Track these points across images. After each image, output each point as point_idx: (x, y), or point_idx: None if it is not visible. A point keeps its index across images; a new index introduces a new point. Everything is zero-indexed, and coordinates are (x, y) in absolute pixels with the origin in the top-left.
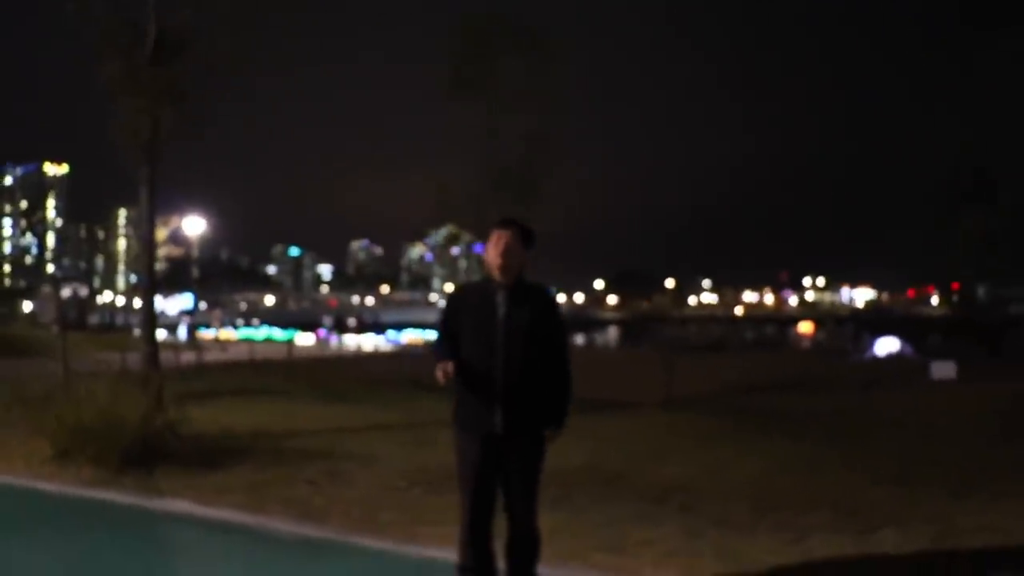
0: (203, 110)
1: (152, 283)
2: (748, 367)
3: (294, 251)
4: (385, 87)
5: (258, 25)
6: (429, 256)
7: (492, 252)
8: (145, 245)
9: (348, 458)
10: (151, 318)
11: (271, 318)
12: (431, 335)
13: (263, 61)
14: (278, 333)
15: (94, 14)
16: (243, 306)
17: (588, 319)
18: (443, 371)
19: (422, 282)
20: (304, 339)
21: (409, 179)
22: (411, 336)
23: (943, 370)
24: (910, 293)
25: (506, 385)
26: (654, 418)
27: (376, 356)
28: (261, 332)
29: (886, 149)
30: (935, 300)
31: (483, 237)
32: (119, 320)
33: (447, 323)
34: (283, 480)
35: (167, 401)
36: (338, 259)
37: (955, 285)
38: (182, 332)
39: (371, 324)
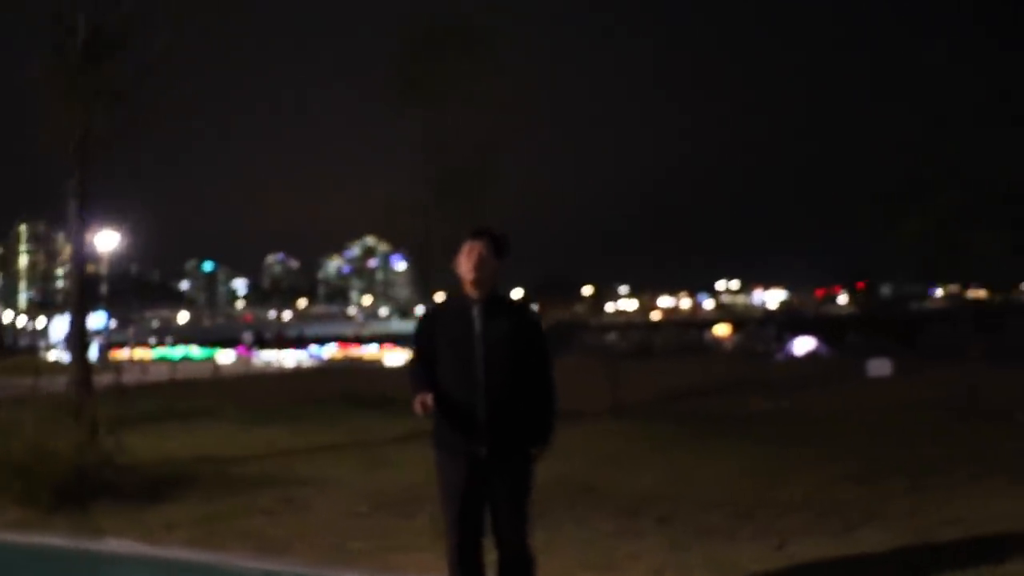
0: (140, 113)
1: (82, 301)
2: (679, 372)
3: (208, 266)
4: (307, 101)
5: (197, 27)
6: (347, 269)
7: (464, 265)
8: (75, 260)
9: (301, 483)
10: (82, 338)
11: (186, 335)
12: (355, 350)
13: (189, 66)
14: (196, 351)
15: (20, 8)
16: (155, 323)
17: None
18: (421, 403)
19: (340, 295)
20: (225, 356)
21: (329, 192)
22: (335, 350)
23: (879, 368)
24: (818, 293)
25: (488, 403)
26: (606, 427)
27: (302, 373)
28: (178, 350)
29: (811, 156)
30: (843, 299)
31: (428, 247)
32: (22, 342)
33: (421, 343)
34: (236, 511)
35: (100, 429)
36: (253, 273)
37: (860, 284)
38: (94, 352)
39: (293, 339)
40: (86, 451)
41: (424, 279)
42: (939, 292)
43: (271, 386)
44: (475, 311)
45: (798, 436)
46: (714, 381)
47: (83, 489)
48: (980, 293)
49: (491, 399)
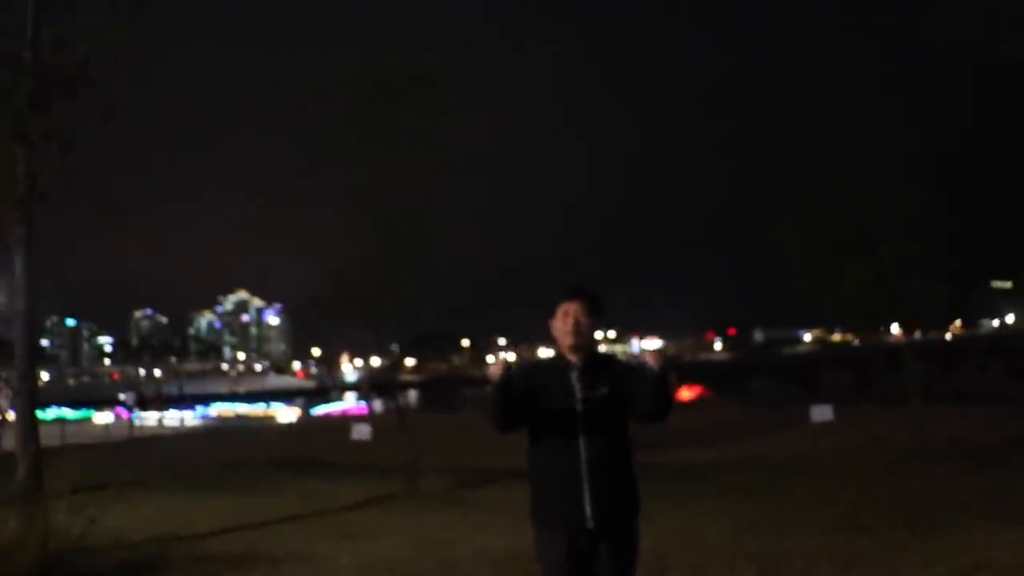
0: (87, 160)
1: (32, 366)
2: None
3: (70, 322)
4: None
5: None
6: (219, 324)
7: (560, 328)
8: (26, 318)
9: (287, 560)
10: (32, 405)
11: (49, 396)
12: (241, 408)
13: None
14: (69, 412)
15: None
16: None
17: (389, 382)
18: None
19: (212, 351)
20: (103, 417)
21: (202, 247)
22: (222, 409)
23: (822, 413)
24: (687, 342)
25: (591, 473)
26: None
27: (200, 433)
28: (50, 412)
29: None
30: (718, 345)
31: (377, 302)
32: None
33: (511, 383)
34: None
35: (59, 511)
36: (120, 330)
37: (732, 331)
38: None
39: (175, 398)
40: (44, 543)
41: (375, 334)
42: (808, 336)
43: (179, 450)
44: (574, 376)
45: (776, 485)
46: (649, 431)
47: None
48: (844, 336)
49: (593, 468)
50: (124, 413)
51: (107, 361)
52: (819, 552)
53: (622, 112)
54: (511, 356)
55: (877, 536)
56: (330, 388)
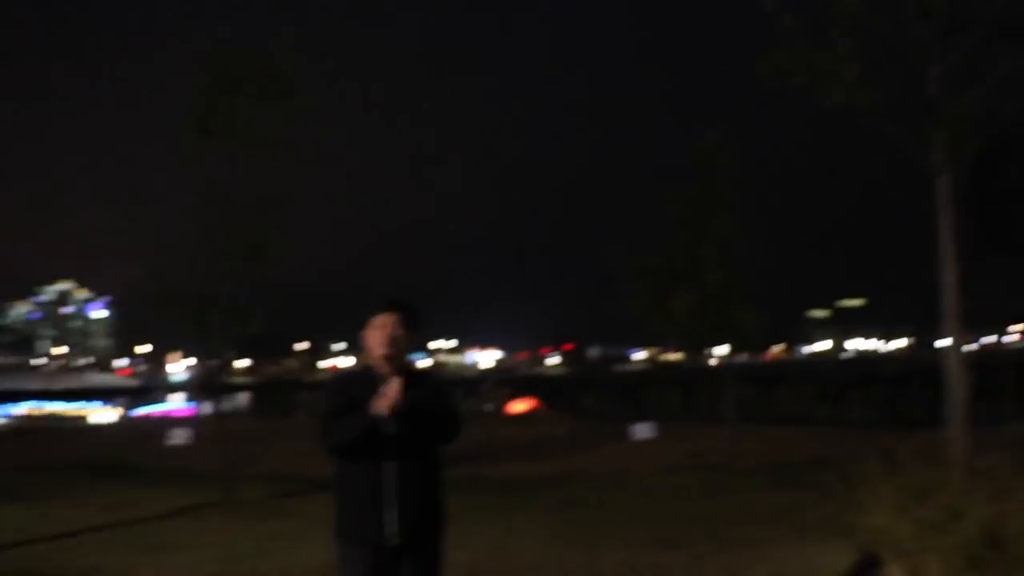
0: None
1: None
2: None
3: None
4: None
5: None
6: (36, 315)
7: (374, 340)
8: None
9: None
10: None
11: None
12: (54, 406)
13: None
14: None
15: None
16: None
17: (214, 384)
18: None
19: (26, 343)
20: None
21: (19, 232)
22: (32, 408)
23: (643, 431)
24: (522, 355)
25: (399, 488)
26: None
27: (1, 434)
28: None
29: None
30: (553, 359)
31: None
32: None
33: (340, 402)
34: None
35: None
36: None
37: (567, 346)
38: None
39: None
40: None
41: (201, 336)
42: (640, 355)
43: None
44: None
45: (593, 500)
46: (469, 441)
47: None
48: (675, 356)
49: (400, 483)
50: None
51: None
52: (629, 566)
53: (487, 122)
54: (349, 362)
55: (684, 550)
56: (153, 388)
